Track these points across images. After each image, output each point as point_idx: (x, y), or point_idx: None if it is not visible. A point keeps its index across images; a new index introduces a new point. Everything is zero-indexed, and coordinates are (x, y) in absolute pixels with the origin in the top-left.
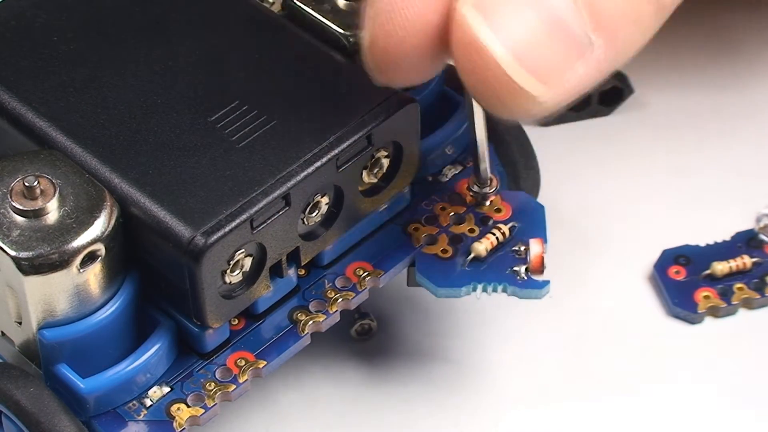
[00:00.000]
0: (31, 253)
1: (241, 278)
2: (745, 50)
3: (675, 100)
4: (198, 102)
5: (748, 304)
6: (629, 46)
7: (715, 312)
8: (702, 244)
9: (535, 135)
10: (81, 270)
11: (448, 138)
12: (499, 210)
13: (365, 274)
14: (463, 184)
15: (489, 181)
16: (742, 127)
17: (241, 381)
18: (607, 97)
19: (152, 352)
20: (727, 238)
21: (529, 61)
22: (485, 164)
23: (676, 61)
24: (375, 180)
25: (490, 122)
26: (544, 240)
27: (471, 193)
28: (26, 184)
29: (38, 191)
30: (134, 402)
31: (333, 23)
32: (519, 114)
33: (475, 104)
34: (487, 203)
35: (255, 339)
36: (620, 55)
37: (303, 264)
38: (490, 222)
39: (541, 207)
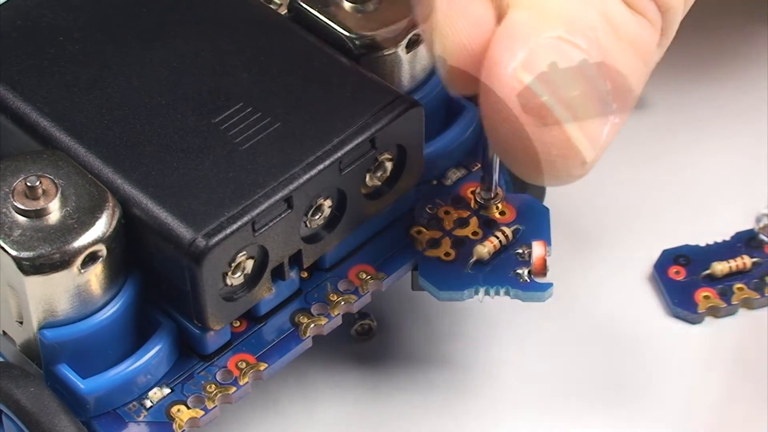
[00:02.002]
0: (32, 253)
1: (242, 280)
2: (745, 51)
3: (675, 100)
4: (202, 103)
5: (748, 304)
6: (629, 112)
7: (715, 312)
8: (702, 244)
9: None
10: (82, 270)
11: (452, 142)
12: (503, 213)
13: (368, 277)
14: (466, 188)
15: (494, 194)
16: (741, 127)
17: (241, 383)
18: None
19: (153, 354)
20: (727, 238)
21: (583, 123)
22: (496, 177)
23: (676, 62)
24: (378, 183)
25: None
26: (548, 242)
27: (475, 199)
28: (28, 184)
29: (40, 191)
30: (134, 403)
31: (338, 25)
32: (559, 177)
33: None
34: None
35: (256, 341)
36: (624, 121)
37: (305, 267)
38: (494, 224)
39: (546, 210)
